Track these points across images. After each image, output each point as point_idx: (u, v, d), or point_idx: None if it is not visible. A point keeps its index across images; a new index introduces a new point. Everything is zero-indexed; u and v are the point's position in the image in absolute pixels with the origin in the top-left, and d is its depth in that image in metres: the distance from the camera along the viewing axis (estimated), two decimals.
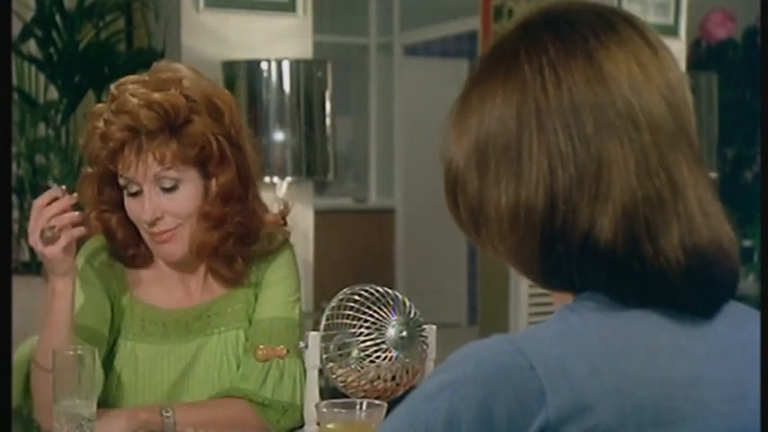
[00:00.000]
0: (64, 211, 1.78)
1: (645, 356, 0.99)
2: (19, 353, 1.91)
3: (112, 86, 1.92)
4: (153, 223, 1.90)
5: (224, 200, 1.92)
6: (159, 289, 2.00)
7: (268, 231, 2.02)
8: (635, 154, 1.01)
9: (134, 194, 1.91)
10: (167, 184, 1.89)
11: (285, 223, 2.05)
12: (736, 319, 1.07)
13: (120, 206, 1.94)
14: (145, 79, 1.90)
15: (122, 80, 1.92)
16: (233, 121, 1.94)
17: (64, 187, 1.81)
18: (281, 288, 2.02)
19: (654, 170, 1.01)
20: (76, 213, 1.79)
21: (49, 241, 1.77)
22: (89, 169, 1.96)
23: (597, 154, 1.01)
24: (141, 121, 1.85)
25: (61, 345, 1.77)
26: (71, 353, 1.70)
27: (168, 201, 1.90)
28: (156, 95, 1.86)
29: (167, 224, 1.91)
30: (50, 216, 1.77)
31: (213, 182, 1.93)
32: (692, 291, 1.01)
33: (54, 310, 1.81)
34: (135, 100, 1.86)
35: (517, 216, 1.03)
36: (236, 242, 1.95)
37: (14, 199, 4.32)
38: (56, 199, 1.78)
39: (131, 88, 1.89)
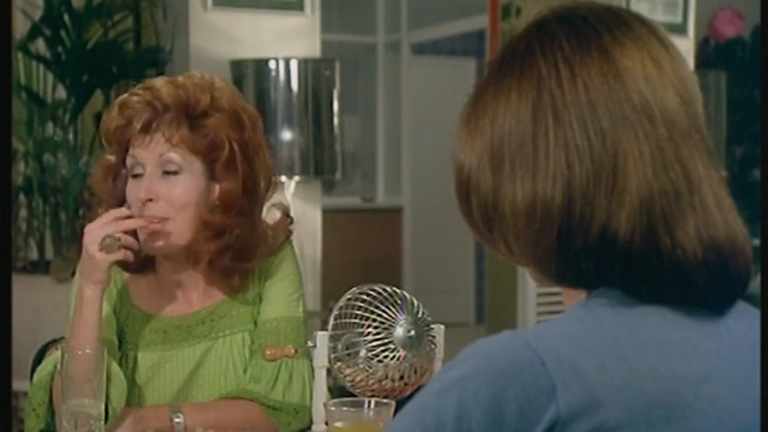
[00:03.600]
0: (133, 233, 1.83)
1: (656, 353, 0.99)
2: (40, 372, 1.86)
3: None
4: (144, 204, 1.86)
5: (225, 209, 1.90)
6: (158, 298, 1.97)
7: (271, 233, 2.00)
8: (650, 148, 1.01)
9: (136, 176, 1.89)
10: (170, 168, 1.87)
11: (291, 222, 2.03)
12: (747, 318, 1.07)
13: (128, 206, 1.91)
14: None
15: None
16: (252, 137, 1.93)
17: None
18: (283, 286, 2.00)
19: (669, 163, 1.02)
20: (132, 239, 1.83)
21: (107, 249, 1.79)
22: (107, 156, 1.95)
23: (613, 148, 1.01)
24: (161, 96, 1.87)
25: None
26: (80, 352, 1.70)
27: (166, 186, 1.87)
28: (182, 80, 1.92)
29: (158, 210, 1.86)
30: (122, 229, 1.80)
31: (217, 187, 1.91)
32: (707, 285, 1.02)
33: (82, 318, 1.80)
34: (162, 81, 1.91)
35: (534, 212, 1.03)
36: (233, 256, 1.92)
37: (23, 198, 4.33)
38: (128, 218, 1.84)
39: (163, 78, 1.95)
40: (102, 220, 1.81)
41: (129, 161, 1.90)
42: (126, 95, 1.92)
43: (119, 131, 1.90)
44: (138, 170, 1.88)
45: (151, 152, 1.87)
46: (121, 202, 1.92)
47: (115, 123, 1.90)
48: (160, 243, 1.88)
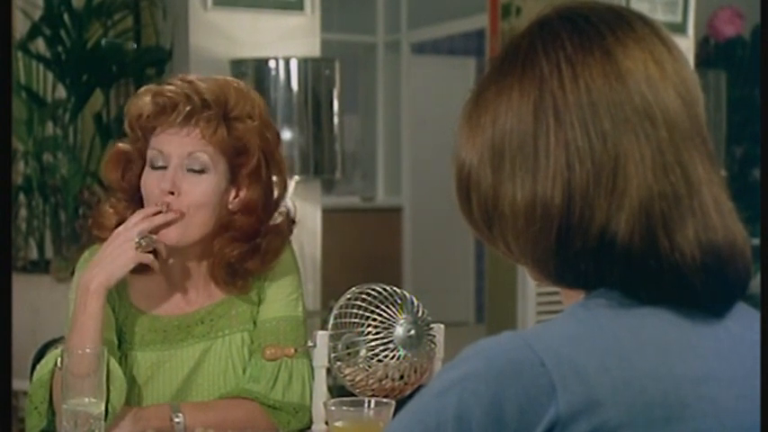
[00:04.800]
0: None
1: (655, 353, 0.99)
2: (40, 370, 1.85)
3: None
4: (165, 195, 1.85)
5: (248, 214, 1.91)
6: (157, 297, 1.96)
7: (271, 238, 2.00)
8: (651, 150, 1.01)
9: (157, 168, 1.87)
10: (196, 166, 1.86)
11: (291, 231, 2.02)
12: (747, 319, 1.07)
13: (137, 199, 1.91)
14: None
15: None
16: (275, 150, 1.95)
17: None
18: (282, 286, 2.01)
19: (669, 166, 1.02)
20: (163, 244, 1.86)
21: (144, 249, 1.81)
22: (120, 145, 1.94)
23: (614, 149, 1.01)
24: (201, 91, 1.86)
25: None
26: (80, 352, 1.70)
27: (190, 183, 1.86)
28: (221, 81, 1.93)
29: (177, 204, 1.86)
30: (156, 225, 1.82)
31: (234, 191, 1.91)
32: (705, 288, 1.02)
33: (86, 314, 1.79)
34: (199, 77, 1.91)
35: (533, 212, 1.03)
36: (258, 262, 1.94)
37: (23, 198, 4.34)
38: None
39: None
40: (134, 218, 1.82)
41: (151, 153, 1.88)
42: (156, 86, 1.90)
43: (149, 119, 1.88)
44: (160, 162, 1.87)
45: (181, 146, 1.86)
46: (132, 192, 1.92)
47: (147, 110, 1.88)
48: (174, 236, 1.87)
